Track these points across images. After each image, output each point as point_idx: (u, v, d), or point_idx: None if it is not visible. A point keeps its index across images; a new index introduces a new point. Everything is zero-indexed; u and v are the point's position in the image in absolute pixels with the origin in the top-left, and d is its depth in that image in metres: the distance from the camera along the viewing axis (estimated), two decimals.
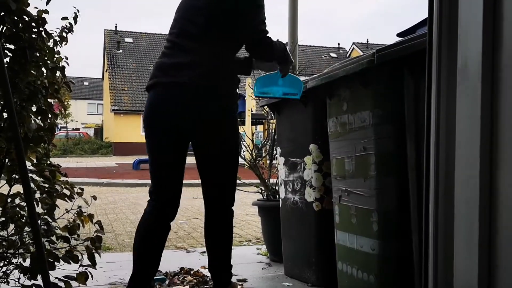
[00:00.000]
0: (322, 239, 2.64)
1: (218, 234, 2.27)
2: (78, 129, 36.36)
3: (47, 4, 2.11)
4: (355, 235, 2.22)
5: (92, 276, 2.22)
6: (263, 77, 2.51)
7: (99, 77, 39.83)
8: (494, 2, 1.33)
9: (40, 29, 2.15)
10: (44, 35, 2.20)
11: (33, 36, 2.11)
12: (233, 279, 2.84)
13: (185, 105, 2.08)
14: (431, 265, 1.51)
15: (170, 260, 3.16)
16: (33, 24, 2.10)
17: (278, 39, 2.35)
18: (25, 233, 2.10)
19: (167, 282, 2.72)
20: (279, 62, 2.37)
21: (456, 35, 1.45)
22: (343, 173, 2.32)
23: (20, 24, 2.04)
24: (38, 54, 2.19)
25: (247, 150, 4.04)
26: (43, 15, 2.11)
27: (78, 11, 2.25)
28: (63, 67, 2.24)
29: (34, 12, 2.09)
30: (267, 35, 2.26)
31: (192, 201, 7.27)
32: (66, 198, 2.27)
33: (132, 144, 25.58)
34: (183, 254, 3.78)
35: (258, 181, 3.93)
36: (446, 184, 1.49)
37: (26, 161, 1.85)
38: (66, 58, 2.26)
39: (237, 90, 2.26)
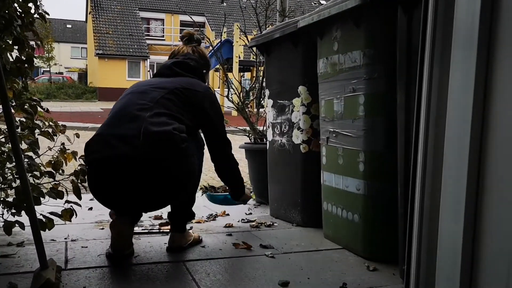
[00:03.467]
0: (308, 181, 2.66)
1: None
2: (61, 73, 35.55)
3: None
4: (341, 175, 2.23)
5: (76, 214, 2.22)
6: (215, 196, 2.78)
7: (82, 20, 38.58)
8: None
9: None
10: None
11: None
12: (218, 220, 2.88)
13: (132, 174, 1.89)
14: (417, 206, 1.53)
15: None
16: None
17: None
18: (7, 169, 2.06)
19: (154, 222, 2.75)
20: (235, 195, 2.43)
21: None
22: (332, 115, 2.30)
23: None
24: None
25: (235, 93, 3.99)
26: None
27: None
28: None
29: None
30: (230, 152, 2.26)
31: None
32: (49, 136, 2.23)
33: (117, 90, 25.13)
34: None
35: (245, 127, 3.91)
36: (436, 126, 1.48)
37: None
38: None
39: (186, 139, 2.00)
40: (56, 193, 2.04)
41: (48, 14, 2.31)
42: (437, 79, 1.47)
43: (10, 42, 2.10)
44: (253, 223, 2.75)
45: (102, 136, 1.95)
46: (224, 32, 14.14)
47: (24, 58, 2.08)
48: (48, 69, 31.27)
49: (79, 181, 2.05)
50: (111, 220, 2.22)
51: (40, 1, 2.21)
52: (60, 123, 2.32)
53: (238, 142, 3.92)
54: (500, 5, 1.27)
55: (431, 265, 1.46)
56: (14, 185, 2.12)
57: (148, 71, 26.11)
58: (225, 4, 30.32)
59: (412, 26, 1.87)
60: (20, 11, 2.12)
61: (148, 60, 27.04)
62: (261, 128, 3.76)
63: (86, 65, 34.79)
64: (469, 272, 1.32)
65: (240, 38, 11.76)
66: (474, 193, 1.33)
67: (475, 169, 1.32)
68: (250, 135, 3.81)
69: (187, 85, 2.13)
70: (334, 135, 2.29)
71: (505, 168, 1.24)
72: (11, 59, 2.10)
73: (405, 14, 1.91)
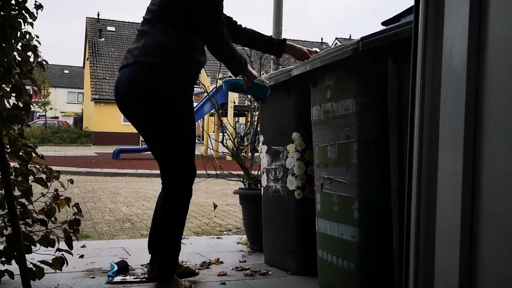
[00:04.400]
0: (303, 228, 2.64)
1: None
2: (57, 117, 35.77)
3: None
4: (336, 223, 2.22)
5: (67, 262, 2.18)
6: (229, 81, 2.67)
7: (79, 66, 39.23)
8: None
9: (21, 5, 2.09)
10: (25, 13, 2.14)
11: (12, 13, 2.05)
12: (212, 268, 2.83)
13: (126, 83, 2.19)
14: (412, 254, 1.52)
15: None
16: (13, 1, 2.04)
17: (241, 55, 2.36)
18: None
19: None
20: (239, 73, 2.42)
21: (442, 23, 1.45)
22: (326, 161, 2.32)
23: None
24: (19, 34, 2.13)
25: (230, 139, 4.01)
26: None
27: None
28: (35, 46, 2.19)
29: None
30: (226, 40, 2.28)
31: None
32: (43, 183, 2.22)
33: (112, 134, 25.29)
34: None
35: (239, 172, 3.91)
36: (428, 173, 1.49)
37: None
38: (37, 37, 2.21)
39: (192, 70, 2.35)
40: (47, 242, 2.01)
41: (47, 63, 2.36)
42: (427, 127, 1.50)
43: (8, 89, 2.13)
44: (248, 271, 2.70)
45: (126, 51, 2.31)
46: (220, 78, 14.39)
47: (21, 105, 2.10)
48: (44, 113, 31.46)
49: (71, 231, 2.03)
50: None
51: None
52: (54, 168, 2.32)
53: (232, 187, 3.91)
54: (486, 56, 1.31)
55: None
56: (5, 232, 2.09)
57: None
58: None
59: (403, 75, 1.93)
60: (19, 59, 2.16)
61: None
62: (255, 173, 3.77)
63: (82, 109, 35.05)
64: None
65: None
66: (468, 234, 1.33)
67: (469, 213, 1.33)
68: (245, 180, 3.80)
69: None
70: (328, 181, 2.29)
71: (497, 214, 1.25)
72: (8, 106, 2.13)
73: (395, 63, 1.97)
